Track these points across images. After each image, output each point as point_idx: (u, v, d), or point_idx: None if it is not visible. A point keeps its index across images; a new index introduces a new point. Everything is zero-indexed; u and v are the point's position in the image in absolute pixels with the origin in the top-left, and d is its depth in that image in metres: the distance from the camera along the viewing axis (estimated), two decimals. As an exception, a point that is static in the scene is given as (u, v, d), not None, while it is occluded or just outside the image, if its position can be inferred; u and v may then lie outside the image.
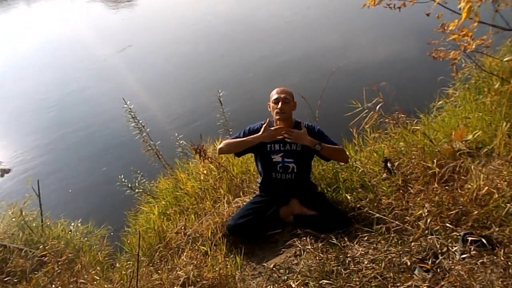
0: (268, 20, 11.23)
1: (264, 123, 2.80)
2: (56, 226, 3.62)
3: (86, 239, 3.47)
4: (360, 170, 3.08)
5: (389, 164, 2.98)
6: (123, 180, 3.79)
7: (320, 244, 2.45)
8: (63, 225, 3.67)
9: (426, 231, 2.02)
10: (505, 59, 3.09)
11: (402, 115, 3.15)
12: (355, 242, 2.36)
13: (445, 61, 3.24)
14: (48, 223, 3.64)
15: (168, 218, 3.26)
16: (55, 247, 3.03)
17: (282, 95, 2.75)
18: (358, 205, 2.77)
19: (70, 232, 3.57)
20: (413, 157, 2.87)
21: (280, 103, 2.73)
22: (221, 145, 2.94)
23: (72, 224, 3.71)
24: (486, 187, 2.28)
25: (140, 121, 3.89)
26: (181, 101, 7.21)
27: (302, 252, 2.46)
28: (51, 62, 10.20)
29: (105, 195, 4.66)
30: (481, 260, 1.64)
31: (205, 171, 3.55)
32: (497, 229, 1.95)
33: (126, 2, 16.33)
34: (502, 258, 1.58)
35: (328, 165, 3.16)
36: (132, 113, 3.79)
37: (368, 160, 3.19)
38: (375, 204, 2.70)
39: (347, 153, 3.02)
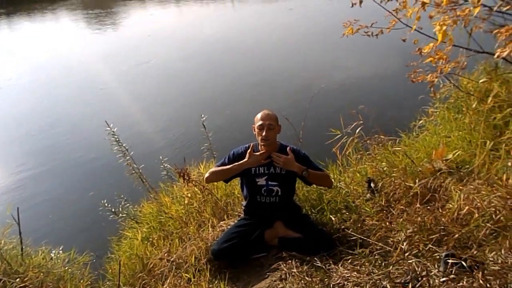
0: (258, 44, 11.49)
1: (248, 148, 2.81)
2: (36, 254, 3.51)
3: (67, 267, 3.38)
4: (344, 191, 3.10)
5: (372, 185, 3.00)
6: (106, 205, 3.74)
7: (305, 267, 2.44)
8: (44, 252, 3.55)
9: (407, 254, 2.02)
10: (481, 81, 3.18)
11: (383, 136, 3.20)
12: (339, 264, 2.35)
13: (424, 82, 3.33)
14: (28, 251, 3.53)
15: (152, 243, 3.21)
16: (35, 277, 2.94)
17: (267, 122, 2.74)
18: (342, 227, 2.78)
19: (51, 260, 3.46)
20: (395, 177, 2.90)
21: (265, 130, 2.73)
22: (207, 174, 2.92)
23: (54, 251, 3.61)
24: (467, 207, 2.31)
25: (124, 144, 3.87)
26: (168, 123, 7.21)
27: (288, 276, 2.44)
28: (37, 87, 10.09)
29: (88, 220, 4.58)
30: (460, 284, 1.65)
31: (189, 195, 3.53)
32: (475, 251, 1.96)
33: (110, 24, 16.44)
34: (481, 281, 1.59)
35: (312, 186, 3.18)
36: (115, 136, 3.77)
37: (352, 181, 3.21)
38: (359, 225, 2.72)
39: (332, 175, 3.04)
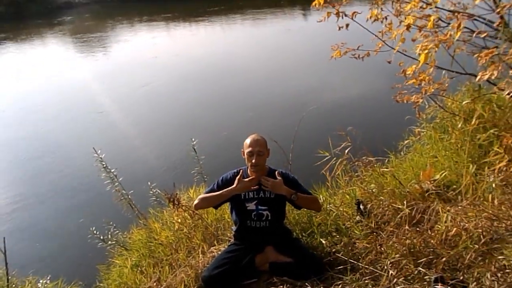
0: (253, 68, 11.71)
1: (237, 174, 2.80)
2: (23, 285, 3.44)
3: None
4: (334, 214, 3.09)
5: (361, 206, 3.00)
6: (95, 232, 3.68)
7: (296, 293, 2.42)
8: (31, 283, 3.48)
9: (395, 280, 2.02)
10: (464, 102, 3.24)
11: (371, 158, 3.22)
12: (330, 289, 2.34)
13: (410, 102, 3.39)
14: (15, 282, 3.45)
15: (141, 271, 3.15)
16: (21, 309, 2.87)
17: (256, 149, 2.74)
18: (333, 250, 2.77)
19: (38, 291, 3.39)
20: (384, 199, 2.91)
21: (254, 158, 2.73)
22: (196, 201, 2.90)
23: (41, 281, 3.53)
24: (455, 228, 2.32)
25: (112, 170, 3.83)
26: (161, 148, 7.20)
27: (279, 302, 2.41)
28: (24, 114, 10.02)
29: (76, 248, 4.50)
30: (448, 310, 1.65)
31: (179, 220, 3.49)
32: (464, 274, 1.96)
33: (101, 51, 16.56)
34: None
35: (302, 209, 3.17)
36: (103, 163, 3.74)
37: (342, 203, 3.21)
38: (350, 248, 2.71)
39: (321, 197, 3.04)
